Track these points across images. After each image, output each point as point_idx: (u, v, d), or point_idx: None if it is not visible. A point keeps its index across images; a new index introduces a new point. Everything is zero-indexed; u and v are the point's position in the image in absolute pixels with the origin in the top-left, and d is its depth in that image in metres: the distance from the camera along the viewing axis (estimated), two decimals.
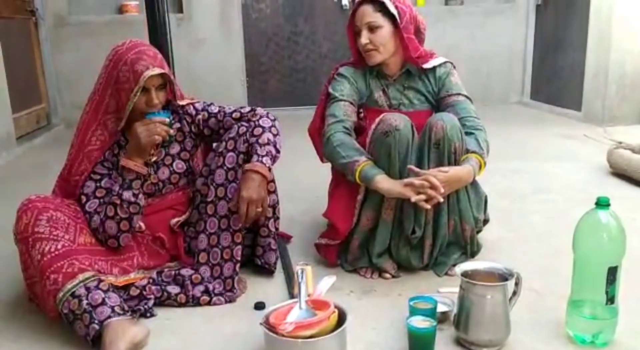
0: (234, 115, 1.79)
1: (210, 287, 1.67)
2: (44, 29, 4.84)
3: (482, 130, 1.82)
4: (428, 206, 1.64)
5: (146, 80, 1.60)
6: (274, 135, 1.71)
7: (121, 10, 5.07)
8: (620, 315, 1.39)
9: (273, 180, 1.78)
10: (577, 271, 1.40)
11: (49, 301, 1.48)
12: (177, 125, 1.79)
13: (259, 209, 1.64)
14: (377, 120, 1.73)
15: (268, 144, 1.68)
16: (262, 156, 1.65)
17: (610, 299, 1.35)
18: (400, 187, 1.65)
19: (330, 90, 1.93)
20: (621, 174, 2.86)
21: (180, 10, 5.08)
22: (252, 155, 1.66)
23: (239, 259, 1.69)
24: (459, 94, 1.89)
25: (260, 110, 1.78)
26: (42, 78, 4.81)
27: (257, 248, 1.82)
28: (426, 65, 1.90)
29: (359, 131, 1.90)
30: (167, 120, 1.66)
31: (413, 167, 1.66)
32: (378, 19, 1.82)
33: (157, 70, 1.62)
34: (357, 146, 1.78)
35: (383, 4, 1.81)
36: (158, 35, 3.05)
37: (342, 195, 1.84)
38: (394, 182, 1.67)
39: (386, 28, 1.82)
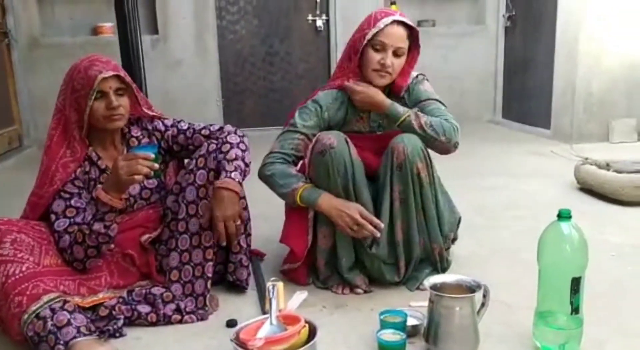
0: (202, 132, 1.80)
1: (182, 305, 1.66)
2: (17, 50, 4.80)
3: (451, 122, 1.78)
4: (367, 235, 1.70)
5: (101, 83, 1.62)
6: (242, 151, 1.72)
7: (96, 31, 5.06)
8: (586, 326, 1.41)
9: (244, 197, 1.79)
10: (542, 282, 1.43)
11: (14, 324, 1.45)
12: (158, 155, 1.66)
13: (238, 223, 1.67)
14: (313, 140, 1.75)
15: (236, 159, 1.69)
16: (231, 172, 1.66)
17: (575, 309, 1.38)
18: (338, 213, 1.70)
19: (296, 115, 1.88)
20: (588, 189, 2.92)
21: (156, 32, 5.09)
22: (221, 171, 1.67)
23: (210, 275, 1.69)
24: (428, 99, 1.88)
25: (228, 127, 1.80)
26: (14, 100, 4.76)
27: (229, 265, 1.81)
28: (403, 92, 1.90)
29: None
30: (152, 155, 1.56)
31: None
32: (406, 46, 1.82)
33: (110, 73, 1.64)
34: (292, 172, 1.78)
35: (413, 32, 1.82)
36: (131, 57, 3.07)
37: (293, 217, 1.84)
38: (333, 204, 1.70)
39: (405, 56, 1.84)
